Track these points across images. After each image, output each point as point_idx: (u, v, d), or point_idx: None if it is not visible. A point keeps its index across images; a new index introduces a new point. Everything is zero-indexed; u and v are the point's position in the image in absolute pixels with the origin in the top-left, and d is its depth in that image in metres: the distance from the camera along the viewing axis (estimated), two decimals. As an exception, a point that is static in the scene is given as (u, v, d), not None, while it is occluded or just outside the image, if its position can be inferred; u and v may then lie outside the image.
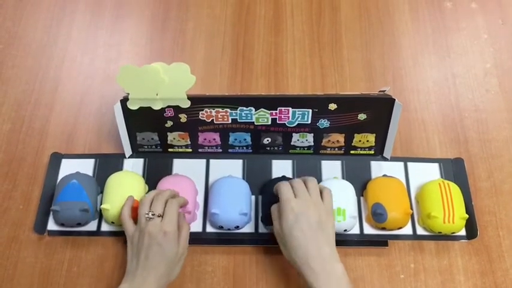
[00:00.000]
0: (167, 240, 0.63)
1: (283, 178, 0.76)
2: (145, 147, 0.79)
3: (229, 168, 0.77)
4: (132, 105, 0.72)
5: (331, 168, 0.78)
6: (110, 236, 0.74)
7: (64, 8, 0.93)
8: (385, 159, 0.79)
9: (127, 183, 0.74)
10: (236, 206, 0.71)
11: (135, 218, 0.68)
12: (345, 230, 0.72)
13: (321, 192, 0.67)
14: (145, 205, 0.66)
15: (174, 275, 0.66)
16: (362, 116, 0.74)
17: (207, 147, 0.79)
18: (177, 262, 0.65)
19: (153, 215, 0.65)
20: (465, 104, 0.85)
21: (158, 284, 0.62)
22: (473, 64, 0.88)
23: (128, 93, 0.71)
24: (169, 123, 0.75)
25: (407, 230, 0.74)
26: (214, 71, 0.87)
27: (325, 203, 0.66)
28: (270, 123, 0.74)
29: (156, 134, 0.77)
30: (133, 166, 0.78)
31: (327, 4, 0.94)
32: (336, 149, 0.78)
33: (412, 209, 0.74)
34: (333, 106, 0.72)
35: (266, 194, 0.75)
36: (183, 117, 0.74)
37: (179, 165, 0.78)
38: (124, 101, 0.72)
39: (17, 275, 0.71)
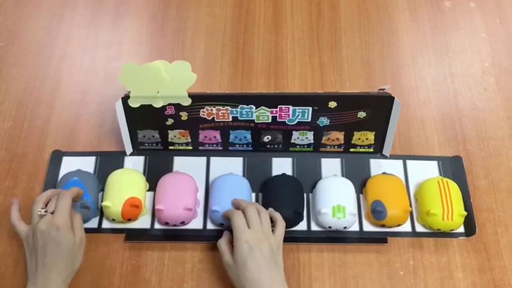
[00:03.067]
0: (60, 234, 0.63)
1: (284, 176, 0.76)
2: (146, 144, 0.79)
3: (230, 166, 0.78)
4: (133, 103, 0.72)
5: (331, 166, 0.79)
6: (111, 233, 0.74)
7: (64, 7, 0.93)
8: (385, 157, 0.79)
9: (128, 180, 0.74)
10: (237, 203, 0.72)
11: (130, 214, 0.69)
12: (345, 227, 0.72)
13: (275, 223, 0.68)
14: (39, 203, 0.65)
15: (77, 264, 0.66)
16: (362, 114, 0.74)
17: (207, 145, 0.79)
18: (76, 251, 0.65)
19: (45, 212, 0.64)
20: (463, 103, 0.85)
21: (62, 277, 0.62)
22: (472, 63, 0.89)
23: (129, 91, 0.71)
24: (170, 121, 0.75)
25: (406, 227, 0.74)
26: (214, 69, 0.88)
27: (276, 235, 0.66)
28: (270, 121, 0.75)
29: (157, 132, 0.77)
30: (134, 164, 0.78)
31: (326, 3, 0.94)
32: (336, 146, 0.79)
33: (411, 206, 0.75)
34: (332, 104, 0.73)
35: (266, 191, 0.75)
36: (184, 115, 0.74)
37: (180, 162, 0.79)
38: (125, 99, 0.72)
39: (18, 272, 0.72)
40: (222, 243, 0.67)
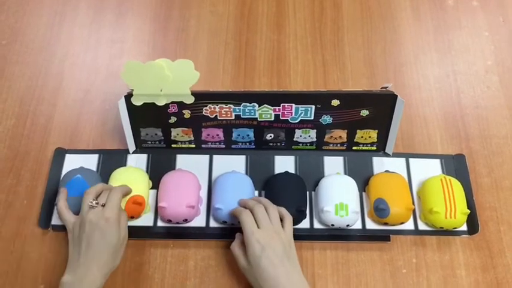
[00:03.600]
0: (109, 226, 0.63)
1: (286, 174, 0.76)
2: (149, 142, 0.79)
3: (233, 164, 0.78)
4: (136, 101, 0.72)
5: (334, 164, 0.79)
6: (114, 231, 0.74)
7: (67, 5, 0.94)
8: (387, 155, 0.79)
9: (131, 178, 0.74)
10: (240, 201, 0.72)
11: (132, 211, 0.69)
12: (348, 225, 0.72)
13: (282, 219, 0.68)
14: (90, 194, 0.66)
15: (117, 262, 0.66)
16: (364, 112, 0.74)
17: (210, 143, 0.79)
18: (119, 248, 0.65)
19: (96, 203, 0.65)
20: (466, 101, 0.85)
21: (101, 272, 0.62)
22: (474, 61, 0.89)
23: (132, 89, 0.71)
24: (173, 119, 0.75)
25: (409, 225, 0.74)
26: (217, 68, 0.88)
27: (285, 231, 0.66)
28: (273, 119, 0.75)
29: (160, 130, 0.77)
30: (137, 161, 0.78)
31: (328, 1, 0.94)
32: (339, 144, 0.79)
33: (414, 204, 0.75)
34: (335, 102, 0.73)
35: (269, 189, 0.75)
36: (187, 113, 0.74)
37: (182, 160, 0.79)
38: (128, 97, 0.72)
39: (21, 269, 0.72)
40: (236, 247, 0.67)
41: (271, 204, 0.69)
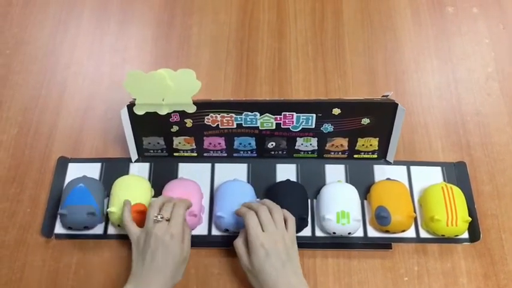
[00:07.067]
0: (174, 243, 0.64)
1: (288, 182, 0.77)
2: (151, 151, 0.80)
3: (234, 172, 0.78)
4: (139, 110, 0.73)
5: (335, 172, 0.79)
6: (117, 239, 0.74)
7: (70, 14, 0.94)
8: (388, 163, 0.80)
9: (133, 187, 0.74)
10: (241, 210, 0.72)
11: (135, 220, 0.69)
12: (349, 233, 0.73)
13: (285, 220, 0.68)
14: (154, 208, 0.67)
15: (178, 278, 0.66)
16: (365, 121, 0.74)
17: (212, 152, 0.80)
18: (181, 264, 0.66)
19: (161, 218, 0.66)
20: (467, 108, 0.86)
21: (163, 286, 0.63)
22: (475, 68, 0.89)
23: (135, 99, 0.72)
24: (175, 128, 0.76)
25: (410, 233, 0.74)
26: (218, 76, 0.88)
27: (289, 232, 0.67)
28: (274, 127, 0.75)
29: (162, 139, 0.78)
30: (140, 170, 0.79)
31: (329, 10, 0.95)
32: (340, 153, 0.79)
33: (415, 212, 0.75)
34: (336, 111, 0.73)
35: (271, 197, 0.75)
36: (189, 122, 0.75)
37: (185, 169, 0.79)
38: (131, 106, 0.73)
39: (24, 278, 0.72)
40: (239, 244, 0.67)
41: (275, 205, 0.69)
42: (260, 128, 0.75)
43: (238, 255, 0.67)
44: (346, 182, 0.78)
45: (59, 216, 0.74)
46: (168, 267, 0.64)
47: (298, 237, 0.72)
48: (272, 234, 0.65)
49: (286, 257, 0.64)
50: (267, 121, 0.74)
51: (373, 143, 0.78)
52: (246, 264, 0.66)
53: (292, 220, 0.68)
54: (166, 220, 0.66)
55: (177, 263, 0.65)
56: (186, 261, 0.68)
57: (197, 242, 0.74)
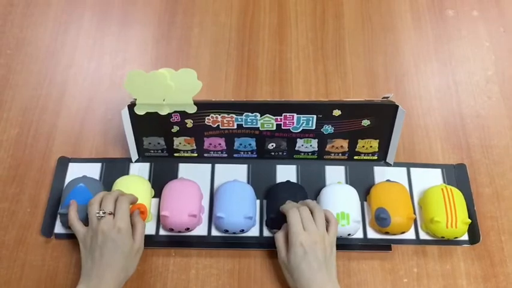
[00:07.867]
0: (121, 236, 0.64)
1: (288, 183, 0.77)
2: (152, 151, 0.80)
3: (234, 173, 0.78)
4: (139, 111, 0.73)
5: (335, 173, 0.79)
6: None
7: (71, 15, 0.94)
8: (388, 164, 0.80)
9: (133, 187, 0.74)
10: (241, 210, 0.72)
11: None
12: (349, 235, 0.73)
13: (328, 222, 0.68)
14: (94, 205, 0.66)
15: (131, 271, 0.66)
16: (366, 122, 0.75)
17: (212, 152, 0.80)
18: (133, 257, 0.66)
19: (103, 213, 0.65)
20: (467, 111, 0.86)
21: (115, 281, 0.63)
22: (475, 71, 0.89)
23: (135, 99, 0.72)
24: (175, 128, 0.76)
25: (410, 234, 0.74)
26: (219, 77, 0.88)
27: (330, 235, 0.67)
28: (274, 128, 0.75)
29: (163, 139, 0.78)
30: (140, 170, 0.79)
31: (330, 12, 0.95)
32: (340, 154, 0.79)
33: (415, 213, 0.75)
34: (337, 112, 0.73)
35: (271, 198, 0.75)
36: (189, 123, 0.75)
37: (185, 169, 0.79)
38: (131, 106, 0.73)
39: (24, 277, 0.72)
40: (280, 238, 0.68)
41: (317, 206, 0.69)
42: (260, 128, 0.75)
43: (277, 248, 0.68)
44: (346, 183, 0.78)
45: (58, 216, 0.74)
46: (118, 261, 0.64)
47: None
48: (312, 234, 0.65)
49: (324, 260, 0.64)
50: (267, 122, 0.74)
51: (373, 144, 0.78)
52: (283, 258, 0.66)
53: (334, 224, 0.69)
54: (110, 214, 0.65)
55: (127, 257, 0.65)
56: (138, 255, 0.67)
57: (197, 242, 0.74)
